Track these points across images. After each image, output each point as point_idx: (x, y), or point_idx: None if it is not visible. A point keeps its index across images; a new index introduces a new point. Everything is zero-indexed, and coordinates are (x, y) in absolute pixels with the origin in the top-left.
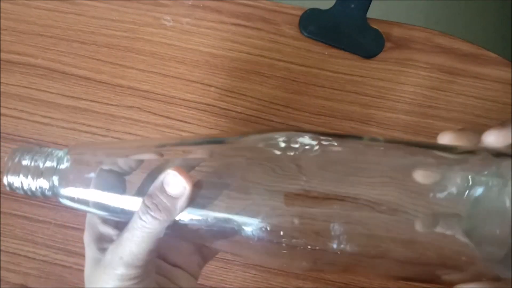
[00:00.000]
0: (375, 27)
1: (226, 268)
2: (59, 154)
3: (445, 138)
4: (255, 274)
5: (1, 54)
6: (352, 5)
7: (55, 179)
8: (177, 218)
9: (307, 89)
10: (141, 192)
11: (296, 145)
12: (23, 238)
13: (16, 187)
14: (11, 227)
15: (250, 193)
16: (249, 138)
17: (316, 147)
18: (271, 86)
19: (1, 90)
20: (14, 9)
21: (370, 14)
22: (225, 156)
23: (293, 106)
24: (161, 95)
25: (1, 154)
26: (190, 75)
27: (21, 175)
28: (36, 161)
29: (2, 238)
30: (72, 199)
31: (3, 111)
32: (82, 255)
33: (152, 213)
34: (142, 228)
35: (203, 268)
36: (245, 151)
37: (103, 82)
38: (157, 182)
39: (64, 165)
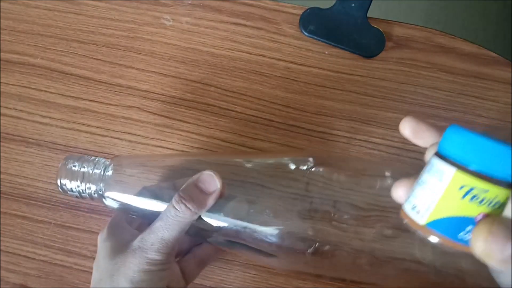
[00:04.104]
0: (375, 26)
1: (226, 268)
2: (106, 163)
3: (406, 127)
4: (255, 274)
5: (1, 53)
6: (353, 4)
7: (102, 184)
8: (203, 216)
9: (307, 89)
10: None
11: (304, 168)
12: (23, 238)
13: (68, 189)
14: (11, 227)
15: (262, 204)
16: (265, 161)
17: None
18: (271, 86)
19: (1, 90)
20: (13, 9)
21: (371, 13)
22: (245, 174)
23: (293, 105)
24: (160, 94)
25: (1, 154)
26: (189, 74)
27: (72, 180)
28: (85, 167)
29: (2, 238)
30: (115, 201)
31: (3, 111)
32: (82, 255)
33: (186, 203)
34: (175, 216)
35: (203, 269)
36: (261, 170)
37: (102, 82)
38: (191, 180)
39: (109, 172)
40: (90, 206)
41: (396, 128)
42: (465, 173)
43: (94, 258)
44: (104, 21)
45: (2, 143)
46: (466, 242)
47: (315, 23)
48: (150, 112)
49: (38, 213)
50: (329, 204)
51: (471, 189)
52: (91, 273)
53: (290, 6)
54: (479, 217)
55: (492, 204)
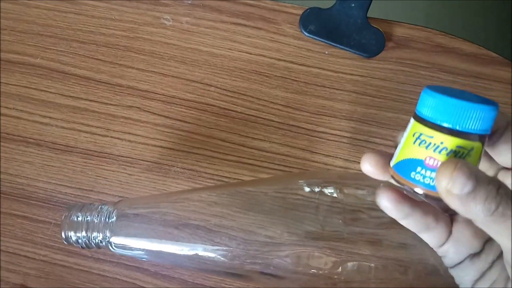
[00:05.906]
0: (375, 26)
1: None
2: (109, 209)
3: (367, 162)
4: None
5: (1, 53)
6: (353, 4)
7: (108, 232)
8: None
9: (307, 89)
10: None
11: (317, 191)
12: (23, 238)
13: (73, 241)
14: (11, 227)
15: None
16: (279, 182)
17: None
18: (271, 86)
19: (1, 90)
20: (13, 9)
21: (371, 13)
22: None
23: (293, 105)
24: (160, 94)
25: (1, 154)
26: (189, 74)
27: (77, 231)
28: (88, 217)
29: (2, 238)
30: (123, 247)
31: (3, 111)
32: (82, 255)
33: None
34: None
35: (202, 269)
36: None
37: (102, 82)
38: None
39: (114, 218)
40: None
41: (396, 128)
42: (418, 122)
43: (94, 258)
44: (104, 21)
45: (2, 143)
46: (417, 182)
47: (315, 23)
48: (150, 112)
49: (38, 213)
50: (341, 222)
51: (420, 135)
52: (91, 273)
53: (290, 6)
54: (427, 160)
55: (439, 149)
